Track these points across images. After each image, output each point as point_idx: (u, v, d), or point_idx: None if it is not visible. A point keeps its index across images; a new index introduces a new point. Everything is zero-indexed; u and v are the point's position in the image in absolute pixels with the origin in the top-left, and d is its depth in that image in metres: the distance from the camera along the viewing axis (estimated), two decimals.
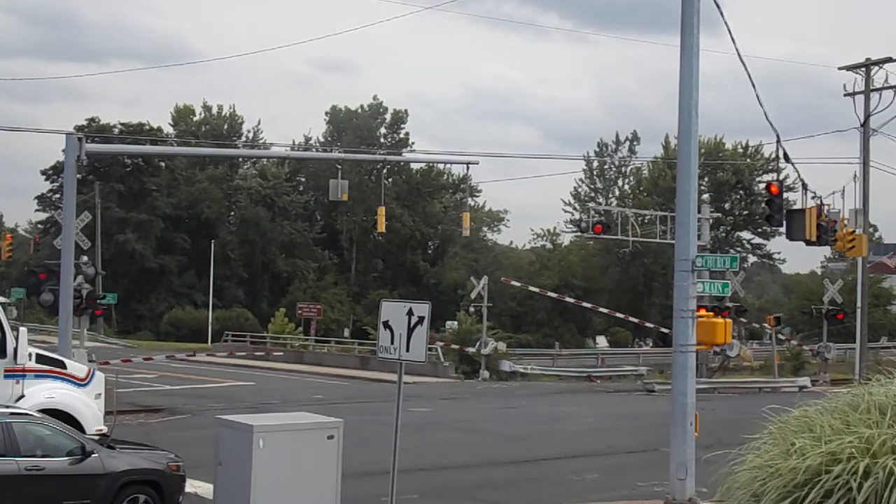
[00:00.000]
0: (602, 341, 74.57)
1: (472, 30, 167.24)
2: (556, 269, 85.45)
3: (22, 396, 17.55)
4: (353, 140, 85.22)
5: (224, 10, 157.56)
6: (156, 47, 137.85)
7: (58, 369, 18.51)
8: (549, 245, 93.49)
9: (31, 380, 17.95)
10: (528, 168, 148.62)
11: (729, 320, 27.74)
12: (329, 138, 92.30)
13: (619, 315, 62.33)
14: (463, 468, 20.43)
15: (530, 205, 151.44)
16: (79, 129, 58.84)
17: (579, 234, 58.27)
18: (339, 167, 34.43)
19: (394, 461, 12.50)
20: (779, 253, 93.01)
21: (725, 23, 16.18)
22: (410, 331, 12.18)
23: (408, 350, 12.24)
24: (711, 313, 31.92)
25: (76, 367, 19.22)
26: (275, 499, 11.25)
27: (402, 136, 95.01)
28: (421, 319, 12.12)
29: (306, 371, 49.93)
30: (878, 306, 68.33)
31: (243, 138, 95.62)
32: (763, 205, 33.75)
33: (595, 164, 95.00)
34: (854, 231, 33.11)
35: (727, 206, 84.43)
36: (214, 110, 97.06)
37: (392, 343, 12.39)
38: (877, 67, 38.78)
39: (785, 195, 23.49)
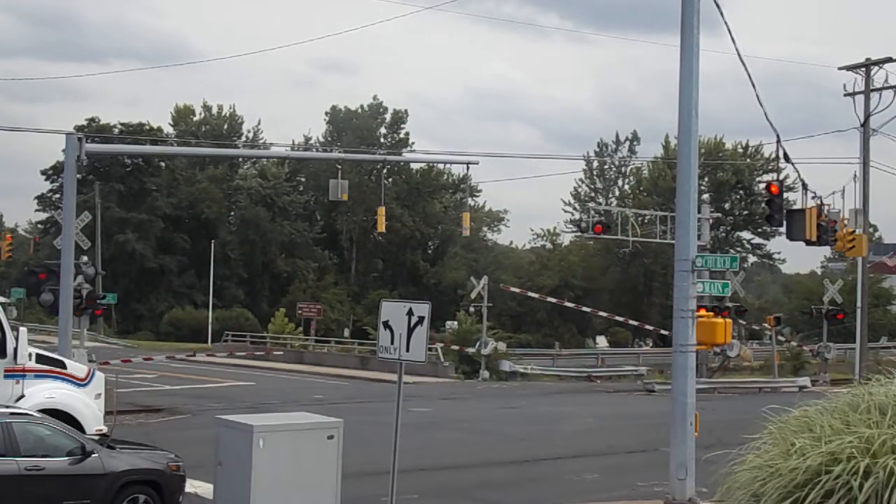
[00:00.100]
0: (602, 341, 74.56)
1: (472, 30, 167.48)
2: (556, 269, 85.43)
3: (22, 396, 17.55)
4: (353, 140, 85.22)
5: (224, 10, 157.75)
6: (156, 47, 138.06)
7: (58, 369, 18.51)
8: (549, 245, 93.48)
9: (31, 380, 17.94)
10: (528, 168, 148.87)
11: (729, 320, 27.74)
12: (329, 138, 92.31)
13: (618, 318, 62.37)
14: (463, 468, 20.43)
15: (530, 205, 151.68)
16: (79, 129, 58.84)
17: (579, 234, 58.28)
18: (339, 167, 34.42)
19: (394, 461, 12.50)
20: (779, 253, 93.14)
21: (725, 23, 16.19)
22: (410, 331, 12.17)
23: (408, 350, 12.24)
24: (711, 313, 31.96)
25: (76, 367, 19.22)
26: (275, 499, 11.24)
27: (402, 136, 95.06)
28: (421, 319, 12.12)
29: (306, 371, 49.93)
30: (878, 306, 68.32)
31: (243, 138, 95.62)
32: (763, 205, 33.76)
33: (595, 164, 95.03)
34: (854, 231, 33.12)
35: (727, 206, 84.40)
36: (214, 110, 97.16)
37: (392, 343, 12.38)
38: (877, 67, 38.79)
39: (785, 195, 23.50)
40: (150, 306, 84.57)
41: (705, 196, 62.49)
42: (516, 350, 56.07)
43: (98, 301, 33.48)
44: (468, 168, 36.70)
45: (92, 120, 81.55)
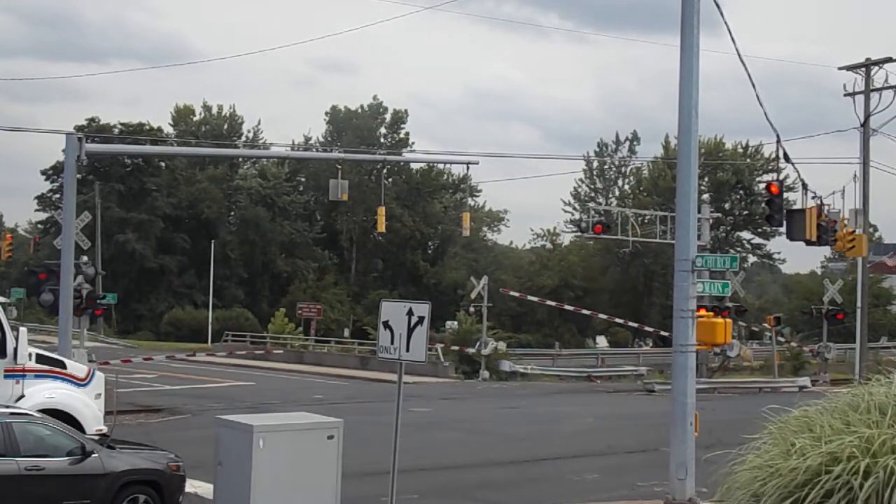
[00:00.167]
0: (602, 341, 74.56)
1: (472, 30, 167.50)
2: (556, 269, 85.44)
3: (22, 396, 17.55)
4: (353, 140, 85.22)
5: (224, 10, 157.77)
6: (156, 47, 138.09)
7: (58, 369, 18.51)
8: (549, 245, 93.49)
9: (31, 380, 17.94)
10: (528, 168, 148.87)
11: (729, 320, 27.78)
12: (329, 138, 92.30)
13: (618, 321, 62.38)
14: (463, 468, 20.43)
15: (530, 205, 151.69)
16: (79, 129, 58.84)
17: (579, 234, 58.29)
18: (339, 167, 34.42)
19: (394, 461, 12.50)
20: (779, 253, 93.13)
21: (725, 23, 16.19)
22: (410, 331, 12.17)
23: (408, 350, 12.24)
24: (711, 313, 31.97)
25: (76, 367, 19.21)
26: (275, 499, 11.24)
27: (402, 136, 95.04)
28: (421, 319, 12.12)
29: (306, 371, 49.93)
30: (878, 306, 68.33)
31: (243, 138, 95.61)
32: (763, 205, 33.75)
33: (595, 164, 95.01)
34: (854, 231, 33.12)
35: (727, 206, 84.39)
36: (214, 110, 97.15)
37: (392, 343, 12.38)
38: (877, 67, 38.78)
39: (785, 195, 23.51)
40: (150, 306, 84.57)
41: (705, 196, 62.48)
42: (516, 350, 56.07)
43: (98, 301, 33.48)
44: (468, 168, 36.74)
45: (92, 120, 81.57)
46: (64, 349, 24.86)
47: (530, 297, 61.39)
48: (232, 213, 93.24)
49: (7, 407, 14.42)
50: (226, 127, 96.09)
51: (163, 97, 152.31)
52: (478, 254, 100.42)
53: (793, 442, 9.11)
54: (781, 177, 26.99)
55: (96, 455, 13.12)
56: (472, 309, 50.93)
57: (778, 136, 18.01)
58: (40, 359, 18.37)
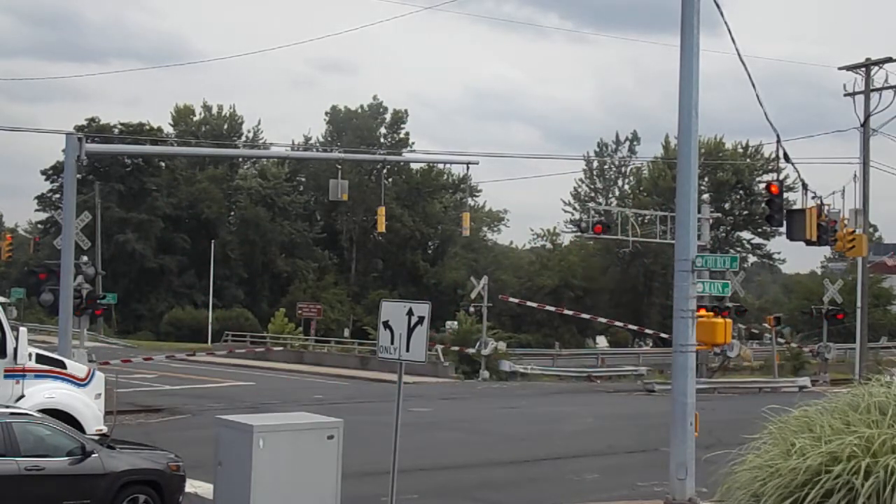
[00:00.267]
0: (602, 341, 74.55)
1: (472, 30, 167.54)
2: (556, 269, 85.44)
3: (22, 396, 17.55)
4: (353, 140, 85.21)
5: (224, 10, 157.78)
6: (156, 47, 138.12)
7: (58, 369, 18.51)
8: (549, 245, 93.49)
9: (31, 380, 17.94)
10: (528, 168, 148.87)
11: (729, 320, 27.78)
12: (329, 138, 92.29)
13: (618, 324, 62.38)
14: (463, 468, 20.43)
15: (530, 205, 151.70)
16: (79, 129, 58.83)
17: (579, 234, 58.28)
18: (339, 167, 34.42)
19: (394, 461, 12.50)
20: (779, 253, 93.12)
21: (725, 23, 16.19)
22: (410, 331, 12.17)
23: (408, 350, 12.24)
24: (711, 313, 31.97)
25: (76, 367, 19.21)
26: (275, 499, 11.24)
27: (402, 136, 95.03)
28: (421, 319, 12.12)
29: (306, 371, 49.93)
30: (878, 306, 68.33)
31: (243, 138, 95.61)
32: (763, 205, 33.77)
33: (595, 164, 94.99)
34: (854, 231, 33.12)
35: (727, 206, 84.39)
36: (214, 110, 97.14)
37: (392, 343, 12.38)
38: (877, 67, 38.77)
39: (785, 195, 23.51)
40: (150, 306, 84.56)
41: (705, 196, 62.47)
42: (516, 350, 56.05)
43: (98, 301, 33.48)
44: (468, 168, 36.74)
45: (92, 120, 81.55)
46: (64, 349, 24.86)
47: (529, 303, 61.41)
48: (232, 213, 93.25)
49: (7, 407, 14.42)
50: (226, 127, 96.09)
51: (163, 97, 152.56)
52: (478, 254, 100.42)
53: (793, 442, 9.11)
54: (781, 177, 27.03)
55: (96, 455, 13.12)
56: (472, 309, 50.92)
57: (778, 136, 18.03)
58: (40, 359, 18.38)
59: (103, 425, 18.24)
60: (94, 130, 72.85)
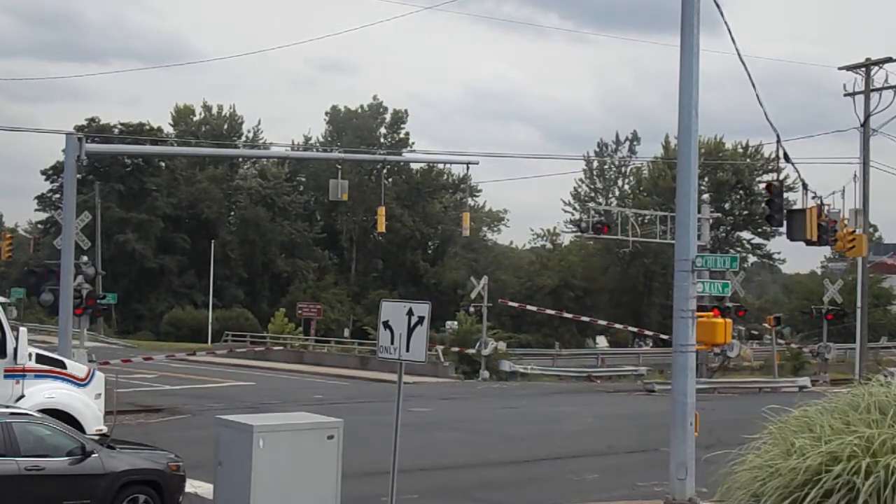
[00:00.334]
0: (602, 341, 74.52)
1: (472, 30, 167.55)
2: (556, 269, 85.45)
3: (22, 396, 17.55)
4: (353, 140, 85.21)
5: (224, 10, 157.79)
6: (156, 47, 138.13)
7: (58, 369, 18.50)
8: (549, 245, 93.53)
9: (31, 380, 17.94)
10: (528, 168, 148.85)
11: (729, 320, 27.76)
12: (329, 138, 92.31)
13: (618, 326, 62.38)
14: (463, 468, 20.43)
15: (530, 205, 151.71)
16: (79, 129, 58.83)
17: (579, 234, 58.28)
18: (339, 167, 34.43)
19: (394, 461, 12.50)
20: (779, 253, 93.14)
21: (725, 23, 16.19)
22: (410, 331, 12.17)
23: (408, 350, 12.24)
24: (711, 313, 31.95)
25: (76, 367, 19.21)
26: (275, 499, 11.24)
27: (402, 136, 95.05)
28: (421, 319, 12.11)
29: (306, 371, 49.92)
30: (878, 306, 68.34)
31: (243, 138, 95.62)
32: (763, 205, 33.76)
33: (595, 164, 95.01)
34: (854, 231, 33.13)
35: (727, 206, 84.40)
36: (214, 110, 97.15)
37: (392, 343, 12.38)
38: (877, 67, 38.78)
39: (785, 195, 23.51)
40: (150, 306, 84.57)
41: (705, 196, 62.48)
42: (516, 350, 56.06)
43: (98, 301, 33.50)
44: (468, 168, 36.76)
45: (92, 120, 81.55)
46: (64, 349, 24.86)
47: (529, 307, 61.45)
48: (232, 213, 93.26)
49: (7, 407, 14.42)
50: (226, 127, 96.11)
51: (163, 97, 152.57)
52: (478, 254, 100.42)
53: (793, 442, 9.11)
54: (781, 177, 27.01)
55: (96, 455, 13.12)
56: (472, 309, 50.92)
57: (778, 136, 18.04)
58: (40, 359, 18.37)
59: (103, 425, 18.24)
60: (94, 130, 72.85)
